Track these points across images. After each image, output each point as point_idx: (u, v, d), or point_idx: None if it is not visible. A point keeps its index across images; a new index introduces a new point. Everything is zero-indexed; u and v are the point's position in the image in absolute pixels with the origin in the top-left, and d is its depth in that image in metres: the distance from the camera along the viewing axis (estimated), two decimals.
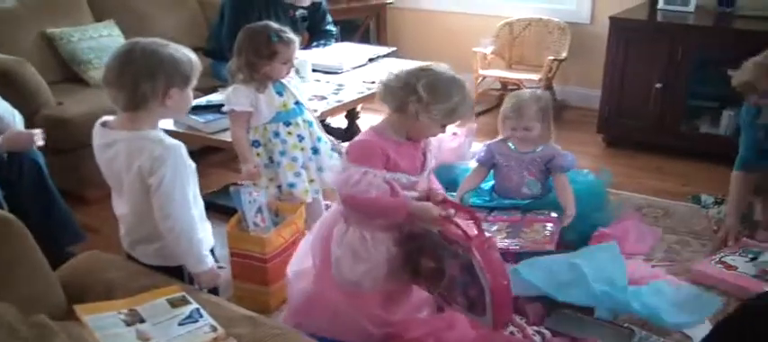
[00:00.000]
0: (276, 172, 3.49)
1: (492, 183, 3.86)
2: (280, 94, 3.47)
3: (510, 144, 3.71)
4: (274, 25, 3.42)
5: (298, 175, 3.50)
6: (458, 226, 2.58)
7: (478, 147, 3.88)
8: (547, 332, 2.89)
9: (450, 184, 3.71)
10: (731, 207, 3.75)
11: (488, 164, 3.78)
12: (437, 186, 2.95)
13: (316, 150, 3.59)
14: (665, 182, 4.72)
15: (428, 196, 2.75)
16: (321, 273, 2.86)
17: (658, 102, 5.11)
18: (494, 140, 3.79)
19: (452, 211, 2.66)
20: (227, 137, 3.59)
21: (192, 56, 2.48)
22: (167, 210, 2.39)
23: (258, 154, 3.48)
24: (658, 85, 5.06)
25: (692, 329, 2.93)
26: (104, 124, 2.48)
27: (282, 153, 3.47)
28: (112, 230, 2.73)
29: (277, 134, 3.46)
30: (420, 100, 2.58)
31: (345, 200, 2.68)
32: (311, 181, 3.56)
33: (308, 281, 2.90)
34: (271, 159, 3.49)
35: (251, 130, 3.47)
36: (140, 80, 2.33)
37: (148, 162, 2.35)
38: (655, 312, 2.87)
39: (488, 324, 2.53)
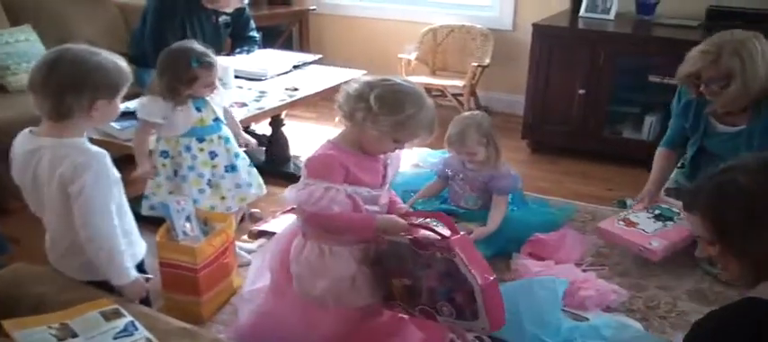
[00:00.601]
0: (180, 186, 3.44)
1: None
2: (198, 109, 3.42)
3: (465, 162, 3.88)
4: (197, 48, 3.34)
5: (202, 191, 3.45)
6: (429, 229, 2.53)
7: (411, 155, 3.93)
8: (487, 339, 2.89)
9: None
10: (652, 177, 3.91)
11: (444, 176, 3.99)
12: (397, 200, 2.88)
13: (233, 167, 3.55)
14: (590, 186, 4.79)
15: (390, 210, 2.72)
16: (278, 289, 2.79)
17: (581, 107, 5.18)
18: (449, 155, 3.96)
19: (420, 219, 2.64)
20: None
21: (123, 65, 2.41)
22: (86, 219, 2.32)
23: (164, 164, 3.43)
24: (581, 92, 5.13)
25: None
26: (31, 131, 2.40)
27: (191, 168, 3.43)
28: (34, 242, 2.63)
29: (188, 148, 3.42)
30: (369, 109, 2.46)
31: (309, 218, 2.58)
32: (223, 198, 3.52)
33: (260, 299, 2.84)
34: (175, 172, 3.45)
35: (162, 141, 3.44)
36: (65, 92, 2.27)
37: (70, 170, 2.28)
38: None
39: (485, 328, 2.47)
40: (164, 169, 3.43)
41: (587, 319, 3.09)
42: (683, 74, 3.42)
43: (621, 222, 3.67)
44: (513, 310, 2.88)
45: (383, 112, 2.46)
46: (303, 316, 2.71)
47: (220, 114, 3.53)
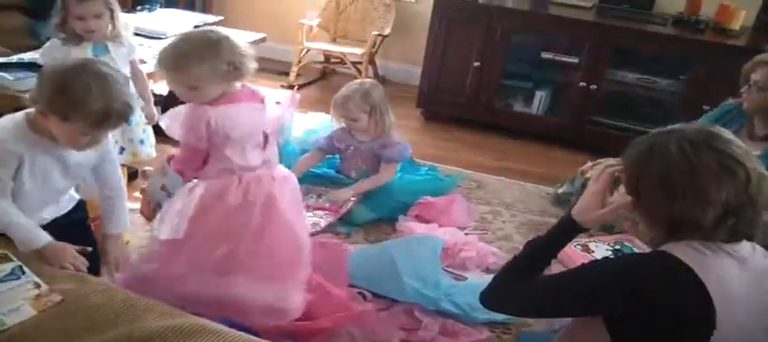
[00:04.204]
0: None
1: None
2: (96, 55, 3.21)
3: (352, 132, 3.96)
4: None
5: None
6: None
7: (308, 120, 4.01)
8: (368, 293, 2.99)
9: None
10: None
11: (327, 150, 4.05)
12: None
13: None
14: (480, 156, 4.96)
15: None
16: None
17: (476, 80, 5.35)
18: (338, 128, 4.00)
19: None
20: None
21: None
22: None
23: None
24: (476, 64, 5.29)
25: None
26: None
27: None
28: None
29: None
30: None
31: None
32: (122, 150, 3.47)
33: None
34: None
35: None
36: None
37: None
38: (465, 311, 2.95)
39: None
40: None
41: (466, 279, 3.25)
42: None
43: (578, 246, 3.47)
44: (392, 265, 3.02)
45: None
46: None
47: (122, 67, 3.32)
